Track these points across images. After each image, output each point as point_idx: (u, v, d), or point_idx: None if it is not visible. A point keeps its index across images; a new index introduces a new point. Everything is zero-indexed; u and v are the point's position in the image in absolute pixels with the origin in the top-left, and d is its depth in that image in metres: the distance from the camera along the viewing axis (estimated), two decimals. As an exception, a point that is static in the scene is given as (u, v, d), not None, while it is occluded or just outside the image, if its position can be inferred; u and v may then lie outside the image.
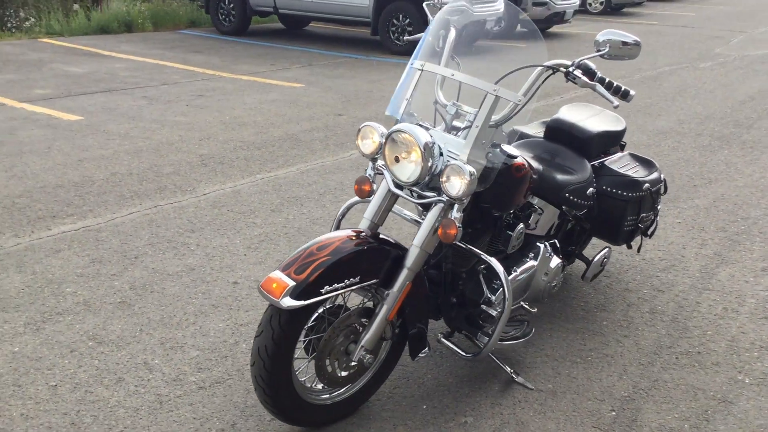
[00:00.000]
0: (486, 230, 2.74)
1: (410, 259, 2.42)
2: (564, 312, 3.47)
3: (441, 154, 2.39)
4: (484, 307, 2.74)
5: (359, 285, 2.34)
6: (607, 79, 2.48)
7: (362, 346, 2.45)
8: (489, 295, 2.79)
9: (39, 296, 3.43)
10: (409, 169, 2.38)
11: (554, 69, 2.48)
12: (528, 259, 3.00)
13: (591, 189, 3.12)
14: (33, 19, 12.36)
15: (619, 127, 3.42)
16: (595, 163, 3.33)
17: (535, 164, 2.95)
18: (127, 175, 5.25)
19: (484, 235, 2.75)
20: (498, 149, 2.55)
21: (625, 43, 2.55)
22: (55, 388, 2.77)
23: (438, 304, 2.76)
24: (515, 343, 2.85)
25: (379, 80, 9.21)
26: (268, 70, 9.58)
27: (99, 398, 2.72)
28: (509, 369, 2.91)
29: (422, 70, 2.55)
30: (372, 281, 2.38)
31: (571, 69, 2.44)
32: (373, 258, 2.36)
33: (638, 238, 3.56)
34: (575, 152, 3.23)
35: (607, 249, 3.41)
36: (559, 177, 3.01)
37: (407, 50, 11.05)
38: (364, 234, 2.43)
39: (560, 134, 3.30)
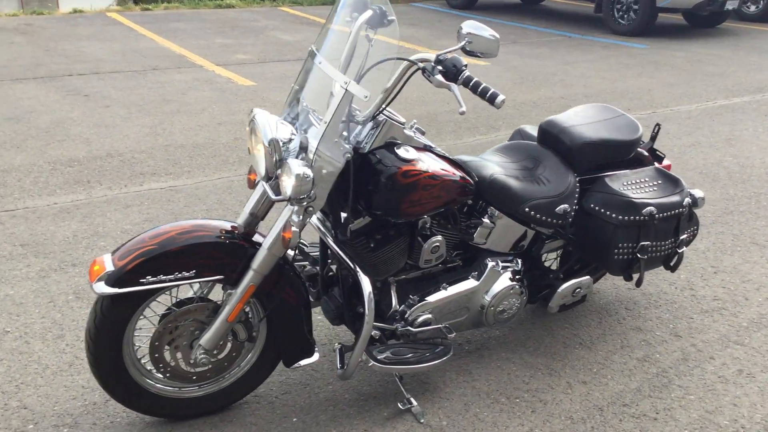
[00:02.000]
0: (398, 238, 2.50)
1: (256, 261, 2.29)
2: (538, 342, 3.04)
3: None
4: (390, 324, 2.53)
5: (195, 280, 2.26)
6: (474, 79, 2.13)
7: (200, 345, 2.37)
8: (398, 309, 2.56)
9: (73, 246, 3.81)
10: (261, 162, 2.26)
11: (415, 63, 2.19)
12: (469, 277, 2.69)
13: (564, 206, 2.69)
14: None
15: (627, 137, 2.88)
16: (590, 176, 2.85)
17: (491, 171, 2.62)
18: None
19: (398, 242, 2.52)
20: (393, 150, 2.31)
21: (485, 38, 2.21)
22: (5, 334, 3.05)
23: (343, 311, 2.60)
24: (420, 368, 2.56)
25: (575, 62, 8.63)
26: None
27: (28, 351, 2.90)
28: (406, 394, 2.64)
29: (315, 54, 2.38)
30: (214, 278, 2.30)
31: (430, 65, 2.13)
32: (215, 254, 2.27)
33: (664, 268, 2.99)
34: (562, 161, 2.80)
35: (586, 278, 2.92)
36: (521, 188, 2.64)
37: (630, 30, 10.18)
38: (229, 227, 2.36)
39: (550, 139, 2.88)
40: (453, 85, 2.14)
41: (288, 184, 2.13)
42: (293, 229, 2.18)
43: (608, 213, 2.74)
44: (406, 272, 2.59)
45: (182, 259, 2.21)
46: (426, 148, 2.45)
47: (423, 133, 2.48)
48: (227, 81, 7.31)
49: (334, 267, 2.67)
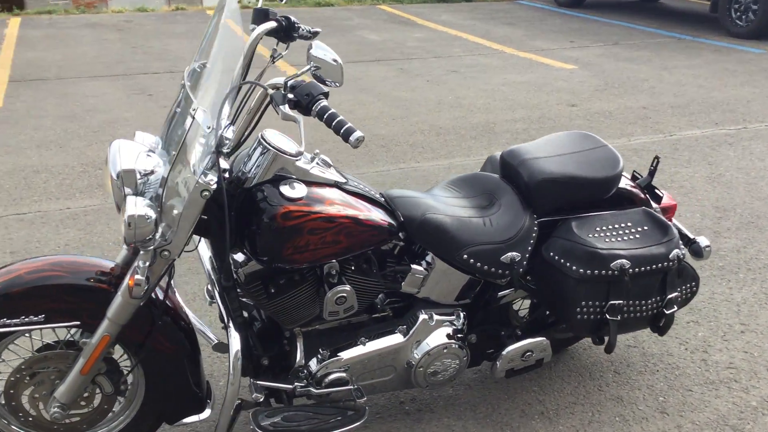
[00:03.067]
0: (303, 284, 2.17)
1: (111, 309, 2.01)
2: (492, 407, 2.61)
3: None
4: (289, 383, 2.22)
5: (46, 325, 2.02)
6: (330, 111, 1.78)
7: (54, 398, 2.10)
8: (303, 364, 2.25)
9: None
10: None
11: (264, 87, 1.89)
12: (396, 331, 2.33)
13: (513, 254, 2.28)
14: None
15: (600, 174, 2.40)
16: (557, 218, 2.41)
17: (425, 210, 2.25)
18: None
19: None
20: (277, 187, 1.99)
21: (329, 63, 1.90)
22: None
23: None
24: None
25: (674, 67, 7.86)
26: (559, 48, 8.82)
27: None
28: None
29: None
30: (68, 324, 2.04)
31: (280, 93, 1.80)
32: (67, 297, 2.01)
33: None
34: (521, 200, 2.38)
35: (540, 339, 2.47)
36: (460, 231, 2.26)
37: (747, 32, 9.22)
38: (104, 266, 2.10)
39: (510, 172, 2.46)
40: (300, 119, 1.79)
41: (123, 226, 1.87)
42: (136, 276, 1.91)
43: (568, 264, 2.30)
44: (319, 322, 2.27)
45: (28, 301, 1.98)
46: (334, 184, 2.12)
47: (329, 165, 2.14)
48: (293, 82, 7.15)
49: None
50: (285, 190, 1.99)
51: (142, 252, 1.91)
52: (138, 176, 1.90)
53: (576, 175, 2.38)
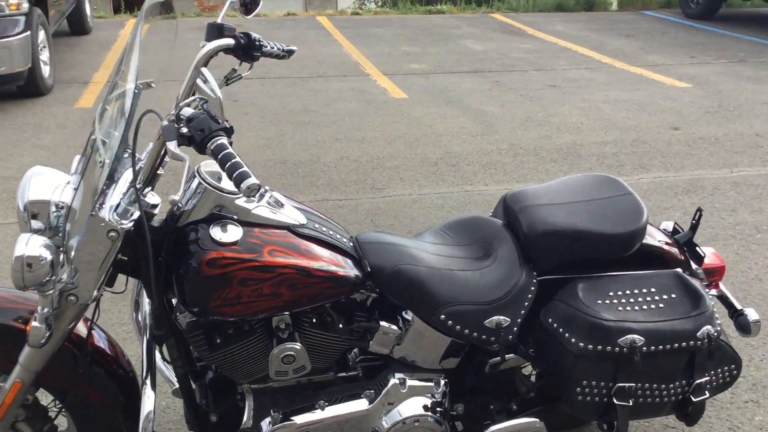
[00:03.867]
0: (252, 335, 1.91)
1: (22, 354, 1.81)
2: None
3: None
4: None
5: None
6: (226, 151, 1.49)
7: None
8: (251, 423, 1.99)
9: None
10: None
11: (158, 115, 1.63)
12: (362, 395, 2.03)
13: (499, 318, 1.94)
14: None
15: (615, 229, 1.99)
16: (563, 276, 2.03)
17: (400, 259, 1.95)
18: (351, 161, 5.14)
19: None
20: (208, 228, 1.75)
21: (212, 93, 1.62)
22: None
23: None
24: None
25: (805, 90, 7.03)
26: (676, 64, 8.14)
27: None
28: None
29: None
30: None
31: (173, 126, 1.53)
32: None
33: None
34: (521, 253, 2.02)
35: (532, 420, 2.08)
36: (439, 286, 1.94)
37: None
38: (20, 301, 1.90)
39: (511, 218, 2.10)
40: (186, 159, 1.50)
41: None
42: (33, 323, 1.69)
43: (567, 335, 1.92)
44: (273, 380, 2.00)
45: None
46: (284, 227, 1.85)
47: (280, 205, 1.87)
48: (381, 93, 6.94)
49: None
50: (215, 232, 1.73)
51: (40, 297, 1.69)
52: (53, 209, 1.71)
53: (584, 229, 1.99)
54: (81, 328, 1.91)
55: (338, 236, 1.94)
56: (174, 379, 2.07)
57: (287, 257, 1.78)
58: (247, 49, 1.91)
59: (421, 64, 8.08)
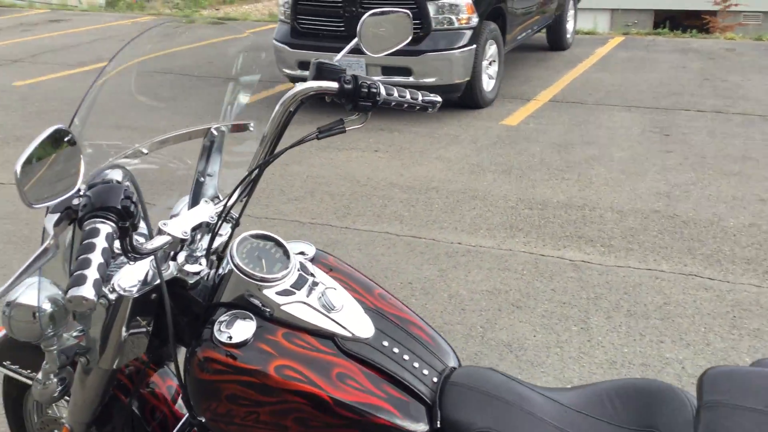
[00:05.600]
0: None
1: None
2: None
3: None
4: None
5: None
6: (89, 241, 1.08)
7: None
8: None
9: None
10: None
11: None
12: None
13: None
14: None
15: None
16: None
17: (498, 416, 1.37)
18: (763, 231, 4.08)
19: None
20: (219, 318, 1.37)
21: None
22: None
23: None
24: None
25: None
26: None
27: None
28: None
29: None
30: None
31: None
32: None
33: None
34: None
35: None
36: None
37: None
38: None
39: (698, 409, 1.27)
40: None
41: None
42: (36, 376, 1.49)
43: None
44: None
45: None
46: (328, 335, 1.37)
47: (330, 308, 1.38)
48: None
49: None
50: (221, 324, 1.35)
51: (45, 352, 1.47)
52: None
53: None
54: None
55: (416, 365, 1.41)
56: None
57: (301, 380, 1.31)
58: (352, 97, 1.51)
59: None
